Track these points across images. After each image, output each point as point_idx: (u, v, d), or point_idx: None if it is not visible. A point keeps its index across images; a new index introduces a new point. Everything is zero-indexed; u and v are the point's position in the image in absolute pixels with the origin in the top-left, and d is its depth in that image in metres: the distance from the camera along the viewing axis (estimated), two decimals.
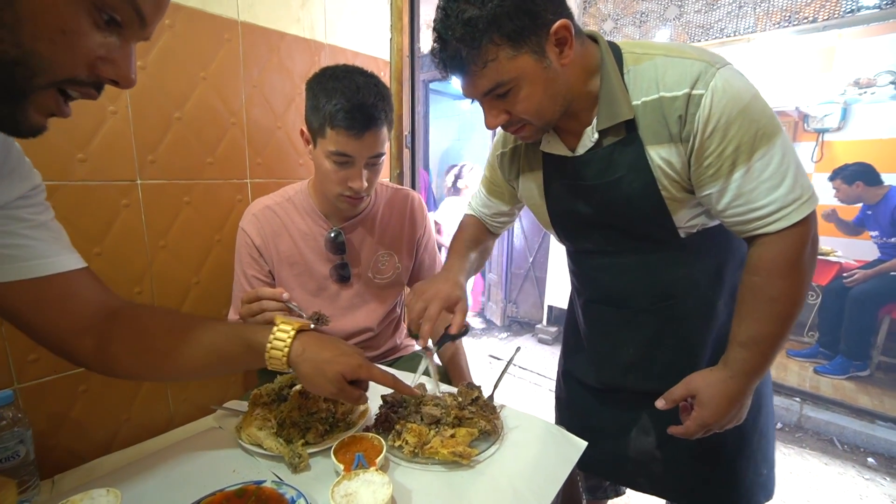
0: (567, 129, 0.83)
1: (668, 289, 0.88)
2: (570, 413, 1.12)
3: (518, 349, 1.05)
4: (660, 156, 0.74)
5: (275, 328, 0.68)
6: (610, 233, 0.87)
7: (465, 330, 0.82)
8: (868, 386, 2.63)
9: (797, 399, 2.63)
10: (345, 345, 0.72)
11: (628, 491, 1.31)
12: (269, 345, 0.67)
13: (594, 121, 0.78)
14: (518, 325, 3.98)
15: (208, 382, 1.30)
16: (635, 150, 0.76)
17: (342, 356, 0.69)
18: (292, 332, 0.68)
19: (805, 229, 0.70)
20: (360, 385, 0.71)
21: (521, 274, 3.87)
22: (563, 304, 3.49)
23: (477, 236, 1.10)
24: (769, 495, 0.97)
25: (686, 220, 0.81)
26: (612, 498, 1.37)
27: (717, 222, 0.83)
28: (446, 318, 0.84)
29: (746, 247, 0.91)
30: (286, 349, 0.67)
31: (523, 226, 3.71)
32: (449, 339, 0.83)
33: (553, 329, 3.65)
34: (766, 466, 0.96)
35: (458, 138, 5.28)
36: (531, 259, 3.74)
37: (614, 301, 0.93)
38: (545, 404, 2.95)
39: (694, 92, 0.69)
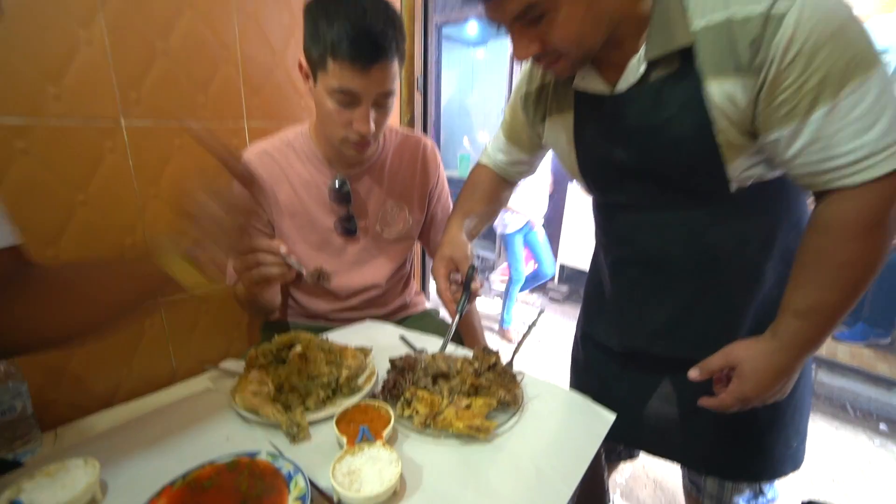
0: (607, 60, 0.71)
1: (711, 250, 0.77)
2: (587, 377, 1.05)
3: (541, 311, 0.97)
4: (722, 91, 0.62)
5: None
6: (649, 184, 0.76)
7: (471, 272, 0.87)
8: (888, 354, 2.54)
9: (812, 364, 2.56)
10: None
11: (641, 453, 1.27)
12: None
13: (641, 49, 0.66)
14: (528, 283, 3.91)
15: (211, 337, 1.25)
16: (690, 86, 0.64)
17: None
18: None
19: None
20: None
21: None
22: (576, 263, 3.42)
23: (489, 192, 1.00)
24: (797, 466, 0.90)
25: (741, 171, 0.69)
26: (624, 461, 1.33)
27: (777, 174, 0.71)
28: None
29: (804, 204, 0.80)
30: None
31: None
32: (465, 298, 0.85)
33: (564, 288, 3.59)
34: (797, 439, 0.89)
35: (470, 90, 5.01)
36: (544, 216, 3.61)
37: (648, 262, 0.83)
38: (551, 363, 2.92)
39: (774, 10, 0.55)
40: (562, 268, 3.55)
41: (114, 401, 1.12)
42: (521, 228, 3.02)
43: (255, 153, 1.01)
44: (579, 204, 3.33)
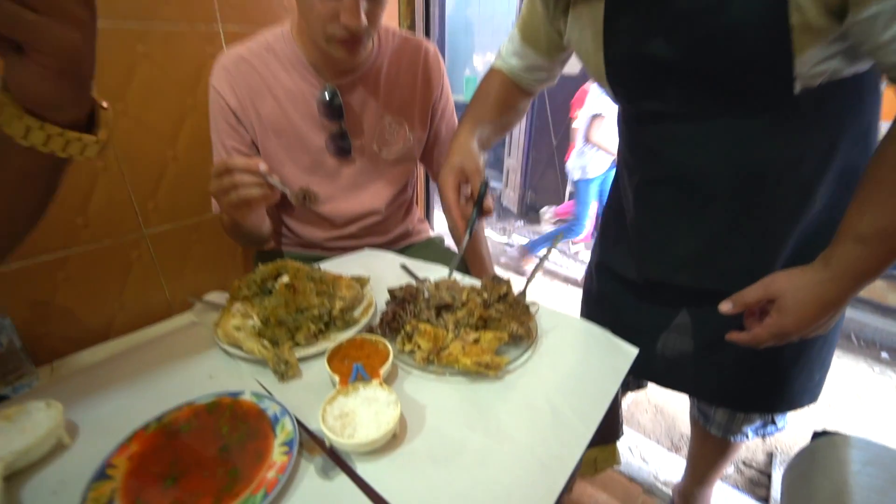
0: None
1: (759, 168, 0.65)
2: (599, 308, 0.98)
3: (559, 235, 0.87)
4: None
5: None
6: (694, 86, 0.63)
7: (483, 188, 0.75)
8: None
9: None
10: None
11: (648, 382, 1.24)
12: None
13: None
14: (535, 212, 3.80)
15: (205, 269, 1.19)
16: None
17: None
18: None
19: None
20: None
21: (543, 159, 3.58)
22: None
23: (503, 99, 0.86)
24: (815, 398, 0.85)
25: (812, 65, 0.55)
26: (633, 391, 1.31)
27: (855, 69, 0.58)
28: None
29: (877, 109, 0.67)
30: None
31: (547, 98, 3.31)
32: (476, 215, 0.73)
33: (562, 227, 3.49)
34: (820, 372, 0.83)
35: (476, 2, 4.54)
36: (555, 142, 3.41)
37: (682, 183, 0.72)
38: (555, 293, 2.89)
39: None
40: (570, 197, 3.42)
41: (109, 334, 1.08)
42: (605, 173, 2.47)
43: (231, 61, 0.86)
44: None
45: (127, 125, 0.93)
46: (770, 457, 1.66)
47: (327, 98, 0.87)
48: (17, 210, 0.48)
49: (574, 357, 0.62)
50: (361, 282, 0.70)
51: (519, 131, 3.55)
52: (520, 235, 3.48)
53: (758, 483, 1.56)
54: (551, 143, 3.45)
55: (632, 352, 0.64)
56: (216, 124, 0.89)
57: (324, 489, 0.42)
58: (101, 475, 0.41)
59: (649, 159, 0.76)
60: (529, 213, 3.85)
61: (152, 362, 0.59)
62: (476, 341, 0.57)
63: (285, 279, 0.62)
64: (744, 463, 1.63)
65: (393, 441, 0.46)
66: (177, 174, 1.04)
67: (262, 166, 0.66)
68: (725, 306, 0.66)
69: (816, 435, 0.76)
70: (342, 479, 0.42)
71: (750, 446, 1.68)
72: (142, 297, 1.10)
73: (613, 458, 0.77)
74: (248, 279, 0.64)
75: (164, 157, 1.02)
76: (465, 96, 3.78)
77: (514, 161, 3.77)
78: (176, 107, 1.00)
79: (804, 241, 0.70)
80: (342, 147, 0.92)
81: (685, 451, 1.64)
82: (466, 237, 0.72)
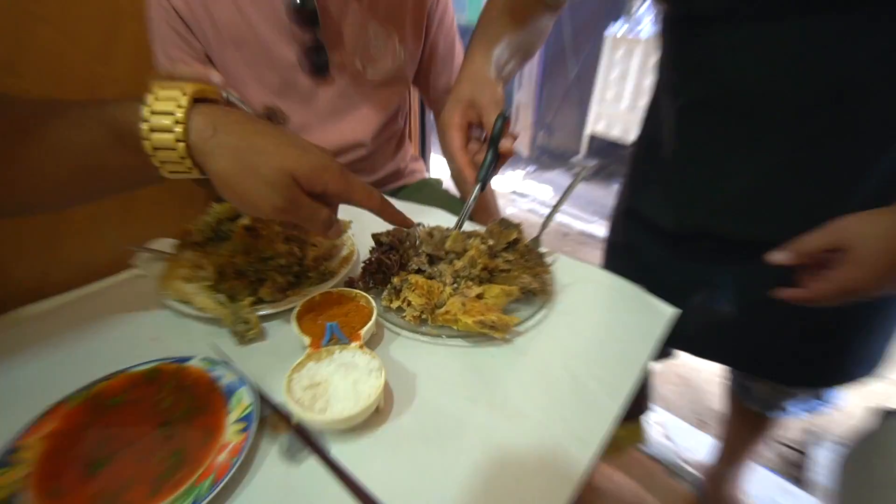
0: None
1: (840, 82, 0.58)
2: (625, 263, 0.94)
3: (583, 169, 0.81)
4: None
5: (151, 96, 0.41)
6: None
7: (500, 122, 0.62)
8: None
9: None
10: (293, 133, 0.47)
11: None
12: (144, 124, 0.39)
13: None
14: (549, 156, 3.70)
15: (158, 213, 1.13)
16: None
17: (290, 147, 0.43)
18: (184, 100, 0.41)
19: None
20: (325, 202, 0.46)
21: (559, 94, 3.45)
22: (610, 131, 3.17)
23: (520, 12, 0.77)
24: (871, 371, 0.82)
25: None
26: (659, 360, 1.29)
27: None
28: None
29: None
30: (179, 128, 0.39)
31: (563, 21, 3.15)
32: (491, 160, 0.62)
33: (592, 163, 3.39)
34: (887, 341, 0.80)
35: None
36: (575, 71, 3.26)
37: (738, 103, 0.65)
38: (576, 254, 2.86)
39: None
40: (591, 139, 3.32)
41: (45, 292, 1.04)
42: None
43: None
44: (615, 56, 2.97)
45: (48, 34, 0.85)
46: (807, 434, 1.67)
47: (298, 1, 0.78)
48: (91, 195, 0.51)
49: (598, 317, 0.59)
50: (342, 226, 0.65)
51: (532, 61, 3.40)
52: (535, 181, 3.41)
53: (793, 463, 1.58)
54: (567, 73, 3.31)
55: (668, 312, 0.60)
56: (158, 29, 0.82)
57: (288, 475, 0.39)
58: (3, 463, 0.37)
59: (698, 75, 0.69)
60: (542, 157, 3.75)
61: (83, 323, 0.55)
62: (479, 297, 0.54)
63: (245, 221, 0.57)
64: (776, 440, 1.65)
65: (376, 417, 0.43)
66: (116, 95, 0.96)
67: (216, 77, 0.59)
68: (780, 256, 0.60)
69: (884, 414, 0.74)
70: (312, 463, 0.39)
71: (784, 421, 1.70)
72: (81, 248, 1.04)
73: (638, 435, 0.76)
74: (200, 222, 0.59)
75: (97, 77, 0.93)
76: (468, 15, 3.58)
77: (524, 95, 3.62)
78: (108, 12, 0.90)
79: (888, 181, 0.64)
80: (318, 63, 0.85)
81: (712, 427, 1.65)
82: (476, 189, 0.61)
